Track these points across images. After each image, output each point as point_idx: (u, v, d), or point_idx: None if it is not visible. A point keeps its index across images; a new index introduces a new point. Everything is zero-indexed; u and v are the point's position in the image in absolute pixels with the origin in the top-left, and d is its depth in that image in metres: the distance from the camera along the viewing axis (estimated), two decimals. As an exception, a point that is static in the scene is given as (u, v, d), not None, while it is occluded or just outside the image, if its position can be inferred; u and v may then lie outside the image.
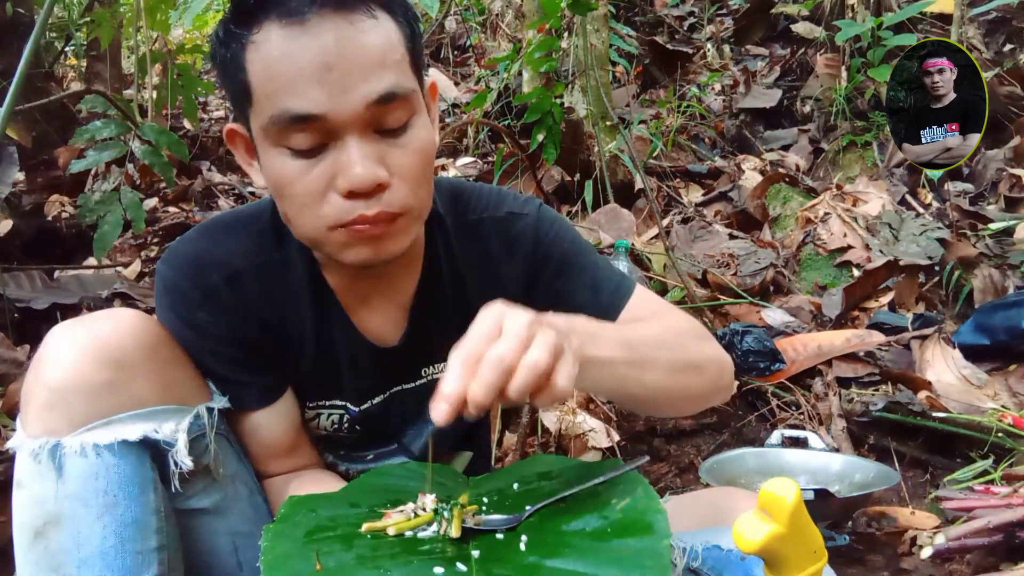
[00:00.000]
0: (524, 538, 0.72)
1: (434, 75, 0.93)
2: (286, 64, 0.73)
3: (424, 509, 0.78)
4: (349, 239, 0.79)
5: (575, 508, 0.76)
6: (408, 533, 0.75)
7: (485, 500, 0.81)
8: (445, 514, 0.77)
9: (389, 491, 0.86)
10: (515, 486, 0.83)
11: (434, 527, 0.76)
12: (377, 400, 0.99)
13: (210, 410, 0.87)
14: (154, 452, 0.82)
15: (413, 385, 1.00)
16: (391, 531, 0.75)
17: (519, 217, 0.97)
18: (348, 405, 0.98)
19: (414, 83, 0.79)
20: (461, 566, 0.70)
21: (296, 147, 0.76)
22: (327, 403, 0.98)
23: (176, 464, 0.82)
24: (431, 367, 1.00)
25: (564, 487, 0.80)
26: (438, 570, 0.69)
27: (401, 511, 0.78)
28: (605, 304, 0.95)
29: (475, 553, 0.71)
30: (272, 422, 0.94)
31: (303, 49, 0.72)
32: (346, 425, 0.99)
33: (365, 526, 0.76)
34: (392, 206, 0.78)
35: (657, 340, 0.84)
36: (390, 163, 0.78)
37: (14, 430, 0.80)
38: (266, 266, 0.90)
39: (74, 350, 0.77)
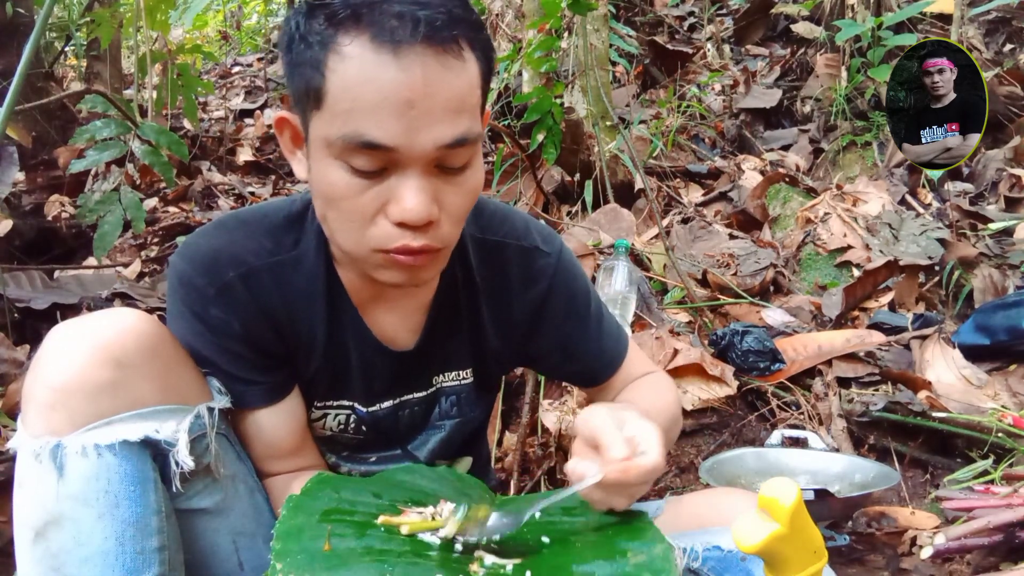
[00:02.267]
0: (529, 574, 0.72)
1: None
2: (370, 89, 0.72)
3: (441, 515, 0.79)
4: (387, 263, 0.80)
5: (588, 552, 0.76)
6: (421, 536, 0.76)
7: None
8: (457, 516, 0.78)
9: (413, 490, 0.87)
10: (537, 515, 0.83)
11: (445, 531, 0.76)
12: (386, 404, 0.99)
13: (211, 410, 0.87)
14: (155, 452, 0.82)
15: (423, 394, 1.01)
16: (404, 529, 0.76)
17: (543, 254, 1.00)
18: (356, 406, 0.98)
19: (480, 127, 0.81)
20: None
21: (357, 167, 0.76)
22: (335, 403, 0.98)
23: (177, 464, 0.82)
24: (442, 375, 1.01)
25: (582, 525, 0.81)
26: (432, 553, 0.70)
27: (420, 512, 0.79)
28: (608, 358, 1.06)
29: (479, 571, 0.71)
30: (277, 421, 0.94)
31: (390, 79, 0.72)
32: (352, 426, 0.99)
33: (381, 518, 0.77)
34: (436, 241, 0.80)
35: (668, 421, 1.02)
36: (443, 200, 0.79)
37: (14, 430, 0.80)
38: (281, 265, 0.90)
39: (75, 350, 0.77)
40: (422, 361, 0.98)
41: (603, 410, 0.79)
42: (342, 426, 0.99)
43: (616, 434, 0.76)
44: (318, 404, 0.98)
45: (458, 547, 0.75)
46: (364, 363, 0.96)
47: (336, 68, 0.73)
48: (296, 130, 0.84)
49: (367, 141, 0.73)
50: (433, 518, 0.79)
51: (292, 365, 0.94)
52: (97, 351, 0.77)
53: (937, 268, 2.53)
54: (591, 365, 1.07)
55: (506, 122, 3.44)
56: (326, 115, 0.75)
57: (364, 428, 1.00)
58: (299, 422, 0.96)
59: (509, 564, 0.73)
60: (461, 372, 1.02)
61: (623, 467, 0.74)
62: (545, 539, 0.78)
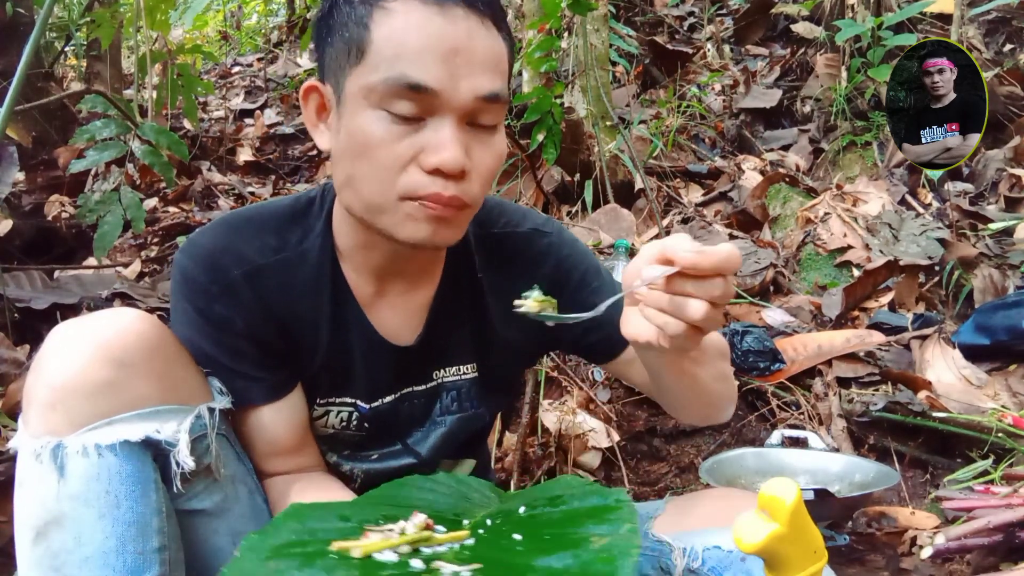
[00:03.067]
0: None
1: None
2: (418, 35, 0.76)
3: (404, 532, 0.76)
4: (414, 213, 0.81)
5: (554, 544, 0.74)
6: (376, 555, 0.72)
7: (488, 522, 0.80)
8: (409, 531, 0.75)
9: (396, 504, 0.84)
10: (522, 510, 0.82)
11: (399, 552, 0.73)
12: (388, 399, 0.99)
13: (211, 410, 0.87)
14: (155, 452, 0.82)
15: (424, 387, 1.01)
16: (356, 552, 0.73)
17: (543, 234, 1.01)
18: (358, 403, 0.98)
19: (507, 103, 0.84)
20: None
21: (397, 112, 0.78)
22: (337, 400, 0.98)
23: (178, 464, 0.82)
24: (442, 370, 1.01)
25: (561, 515, 0.78)
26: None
27: (388, 529, 0.77)
28: None
29: None
30: (278, 419, 0.94)
31: (438, 28, 0.76)
32: (355, 423, 0.99)
33: (335, 544, 0.74)
34: (466, 195, 0.81)
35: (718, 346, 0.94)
36: (473, 157, 0.81)
37: (14, 430, 0.80)
38: (286, 262, 0.91)
39: (76, 350, 0.77)
40: (423, 356, 0.98)
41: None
42: (344, 423, 0.99)
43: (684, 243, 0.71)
44: (320, 401, 0.98)
45: (415, 563, 0.72)
46: (367, 359, 0.96)
47: (382, 22, 0.77)
48: (323, 100, 0.85)
49: (412, 82, 0.76)
50: (402, 533, 0.77)
51: (295, 362, 0.94)
52: (98, 351, 0.77)
53: (937, 268, 2.53)
54: (612, 332, 1.02)
55: (506, 122, 3.44)
56: (368, 66, 0.78)
57: (366, 424, 1.00)
58: (300, 420, 0.97)
59: (466, 571, 0.71)
60: (463, 367, 1.02)
61: (698, 251, 0.68)
62: (517, 536, 0.76)
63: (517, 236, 1.01)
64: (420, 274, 0.96)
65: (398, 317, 0.97)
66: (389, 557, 0.73)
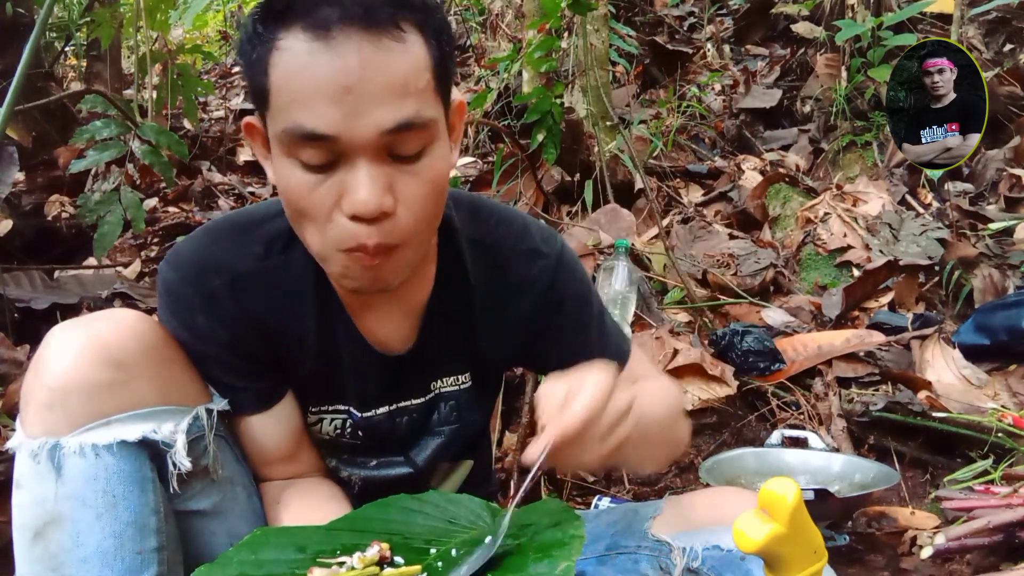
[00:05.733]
0: None
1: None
2: (305, 79, 0.71)
3: (352, 568, 0.73)
4: (350, 265, 0.77)
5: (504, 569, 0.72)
6: None
7: (453, 552, 0.77)
8: (387, 569, 0.74)
9: (366, 530, 0.81)
10: (488, 539, 0.78)
11: None
12: (382, 411, 0.98)
13: (209, 412, 0.87)
14: (153, 452, 0.81)
15: (421, 400, 0.99)
16: None
17: (541, 256, 0.96)
18: (351, 410, 0.97)
19: (436, 111, 0.77)
20: None
21: (307, 161, 0.73)
22: (330, 408, 0.97)
23: (175, 465, 0.82)
24: (439, 380, 0.99)
25: (523, 545, 0.76)
26: None
27: (338, 563, 0.74)
28: (610, 356, 0.97)
29: None
30: (270, 427, 0.93)
31: (323, 67, 0.70)
32: (349, 431, 0.99)
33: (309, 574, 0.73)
34: (392, 236, 0.76)
35: (659, 404, 0.91)
36: (399, 190, 0.75)
37: (14, 430, 0.80)
38: (270, 270, 0.88)
39: (74, 350, 0.77)
40: (418, 366, 0.96)
41: (555, 376, 0.75)
42: (339, 431, 0.98)
43: (551, 396, 0.72)
44: (313, 409, 0.97)
45: None
46: (357, 368, 0.94)
47: (276, 63, 0.72)
48: (264, 135, 0.81)
49: (306, 132, 0.71)
50: (351, 568, 0.73)
51: (282, 371, 0.93)
52: (96, 351, 0.77)
53: (937, 268, 2.53)
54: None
55: (506, 122, 3.44)
56: (273, 114, 0.74)
57: (360, 433, 0.99)
58: (292, 428, 0.95)
59: None
60: (460, 376, 1.00)
61: (555, 427, 0.69)
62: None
63: (514, 251, 0.96)
64: (410, 280, 0.91)
65: (389, 324, 0.94)
66: None
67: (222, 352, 0.89)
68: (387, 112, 0.71)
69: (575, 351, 0.96)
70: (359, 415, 0.97)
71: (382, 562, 0.75)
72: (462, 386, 1.01)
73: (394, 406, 0.98)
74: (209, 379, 0.90)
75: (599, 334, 1.02)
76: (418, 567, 0.74)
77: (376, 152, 0.73)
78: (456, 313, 0.96)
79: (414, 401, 0.99)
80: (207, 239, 0.90)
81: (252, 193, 3.64)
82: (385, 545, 0.76)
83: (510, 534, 0.77)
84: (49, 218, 2.93)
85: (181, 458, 0.82)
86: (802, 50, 4.12)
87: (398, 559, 0.76)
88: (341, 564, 0.74)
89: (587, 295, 1.02)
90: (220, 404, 0.89)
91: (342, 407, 0.97)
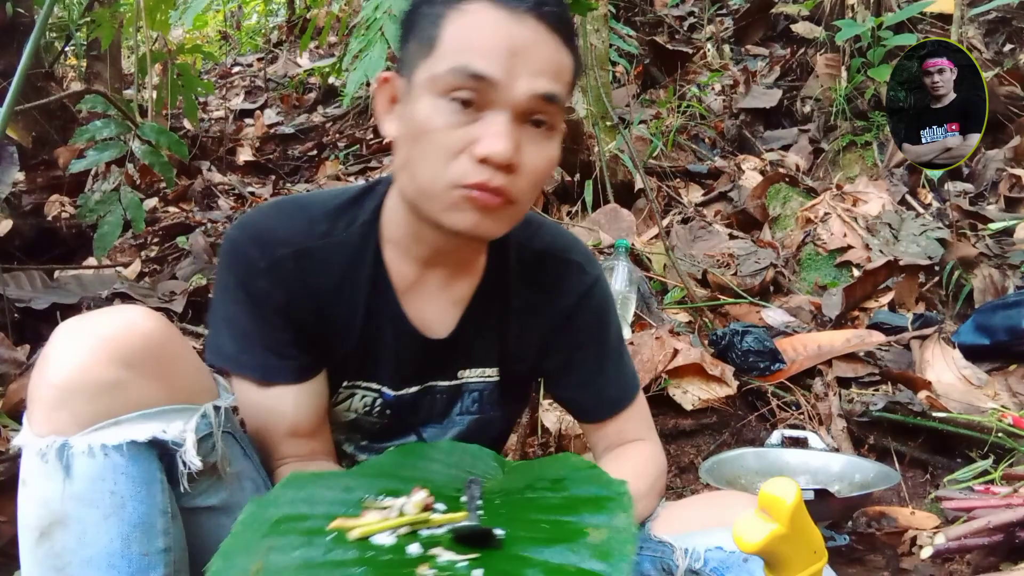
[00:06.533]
0: (480, 572, 0.70)
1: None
2: (486, 33, 0.82)
3: (401, 513, 0.76)
4: (460, 201, 0.83)
5: (552, 533, 0.74)
6: (374, 539, 0.73)
7: (497, 501, 0.80)
8: (435, 515, 0.76)
9: (399, 477, 0.85)
10: (525, 490, 0.82)
11: (398, 534, 0.74)
12: (412, 390, 1.01)
13: (217, 409, 0.87)
14: (161, 452, 0.81)
15: (447, 384, 1.02)
16: (355, 533, 0.73)
17: (580, 271, 1.04)
18: (384, 389, 1.00)
19: (564, 111, 0.88)
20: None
21: (457, 97, 0.82)
22: (364, 384, 1.00)
23: (184, 464, 0.82)
24: (467, 370, 1.02)
25: (561, 500, 0.79)
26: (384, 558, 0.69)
27: (385, 508, 0.77)
28: (613, 398, 1.05)
29: (428, 573, 0.69)
30: (302, 400, 0.95)
31: (504, 30, 0.82)
32: (377, 409, 1.01)
33: (335, 523, 0.75)
34: (512, 188, 0.84)
35: (641, 494, 0.95)
36: (524, 155, 0.84)
37: (14, 430, 0.80)
38: (332, 247, 0.94)
39: (82, 348, 0.77)
40: (451, 352, 1.00)
41: None
42: (367, 408, 1.00)
43: None
44: (347, 383, 0.99)
45: (412, 549, 0.73)
46: (397, 347, 0.97)
47: (454, 20, 0.83)
48: (394, 92, 0.90)
49: (474, 71, 0.81)
50: (401, 513, 0.77)
51: (326, 346, 0.96)
52: (103, 350, 0.77)
53: (937, 268, 2.53)
54: (594, 398, 1.07)
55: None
56: (437, 57, 0.83)
57: (388, 412, 1.01)
58: (322, 404, 0.98)
59: (463, 561, 0.71)
60: (487, 370, 1.03)
61: None
62: (517, 521, 0.76)
63: (556, 259, 1.03)
64: (461, 270, 0.98)
65: (433, 310, 0.98)
66: (386, 540, 0.73)
67: (275, 317, 0.92)
68: (543, 81, 0.83)
69: (589, 372, 1.04)
70: (391, 394, 1.00)
71: (426, 508, 0.78)
72: (487, 379, 1.04)
73: (423, 385, 1.01)
74: (254, 345, 0.92)
75: (616, 364, 1.06)
76: (463, 513, 0.77)
77: (519, 113, 0.83)
78: (494, 308, 1.01)
79: (441, 383, 1.02)
80: (277, 212, 0.95)
81: (252, 193, 3.64)
82: (427, 491, 0.79)
83: (545, 487, 0.81)
84: (49, 218, 2.93)
85: (192, 457, 0.81)
86: (802, 50, 4.12)
87: (439, 505, 0.79)
88: (389, 508, 0.77)
89: (612, 323, 1.07)
90: (227, 401, 0.90)
91: (375, 385, 0.99)
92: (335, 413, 1.01)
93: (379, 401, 1.00)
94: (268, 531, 0.73)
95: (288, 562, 0.70)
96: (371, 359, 0.98)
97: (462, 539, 0.73)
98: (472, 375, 1.03)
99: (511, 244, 1.00)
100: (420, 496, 0.78)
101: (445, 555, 0.72)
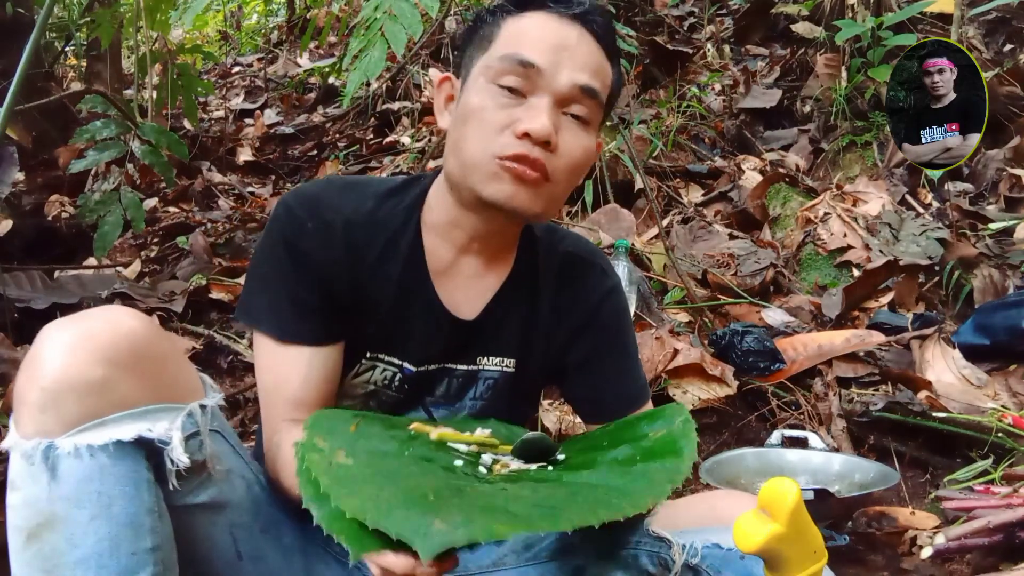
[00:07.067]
0: (550, 469, 0.82)
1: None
2: (536, 30, 0.93)
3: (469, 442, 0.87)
4: (499, 171, 0.91)
5: (613, 439, 0.85)
6: (450, 444, 0.83)
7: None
8: (488, 431, 0.89)
9: (459, 425, 0.96)
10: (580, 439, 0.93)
11: (471, 448, 0.84)
12: (433, 368, 1.03)
13: (203, 407, 0.87)
14: (148, 451, 0.81)
15: (465, 368, 1.05)
16: (434, 435, 0.83)
17: (603, 274, 1.11)
18: (405, 364, 1.02)
19: (601, 112, 0.98)
20: (482, 469, 0.80)
21: (505, 84, 0.91)
22: (385, 357, 1.02)
23: (172, 462, 0.82)
24: (486, 357, 1.05)
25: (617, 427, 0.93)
26: (457, 463, 0.80)
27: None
28: (624, 399, 1.09)
29: (502, 470, 0.80)
30: (317, 364, 0.97)
31: (553, 30, 0.93)
32: (396, 383, 1.02)
33: (413, 425, 0.87)
34: (548, 164, 0.91)
35: None
36: (561, 139, 0.93)
37: (13, 431, 0.79)
38: (378, 222, 1.00)
39: (66, 349, 0.77)
40: (475, 335, 1.03)
41: None
42: (386, 382, 1.02)
43: None
44: (370, 355, 1.01)
45: (485, 457, 0.81)
46: (424, 325, 1.01)
47: (513, 24, 0.95)
48: (452, 92, 1.00)
49: (522, 59, 0.91)
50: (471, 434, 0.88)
51: (355, 316, 0.98)
52: (89, 351, 0.77)
53: (937, 268, 2.53)
54: (607, 397, 1.09)
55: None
56: (492, 51, 0.94)
57: (406, 386, 1.03)
58: (334, 377, 1.00)
59: (533, 465, 0.81)
60: (505, 360, 1.06)
61: None
62: (575, 451, 0.86)
63: (583, 263, 1.10)
64: (494, 259, 1.03)
65: (463, 294, 1.03)
66: (460, 447, 0.84)
67: (308, 277, 0.96)
68: (585, 76, 0.93)
69: (607, 371, 1.09)
70: (412, 369, 1.02)
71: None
72: (504, 369, 1.06)
73: (443, 365, 1.04)
74: (282, 301, 0.96)
75: (633, 366, 1.12)
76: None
77: (560, 101, 0.92)
78: (520, 301, 1.05)
79: (460, 367, 1.04)
80: (330, 186, 1.03)
81: (252, 193, 3.64)
82: (489, 431, 0.91)
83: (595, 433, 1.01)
84: (49, 218, 2.93)
85: (179, 455, 0.82)
86: (802, 50, 4.12)
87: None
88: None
89: (631, 329, 1.13)
90: (214, 400, 0.90)
91: (397, 360, 1.02)
92: (353, 385, 1.02)
93: (398, 376, 1.02)
94: (354, 416, 0.84)
95: (377, 433, 0.80)
96: (397, 334, 1.01)
97: (526, 454, 0.84)
98: (490, 363, 1.05)
99: (539, 246, 1.07)
100: (486, 432, 0.88)
101: (515, 462, 0.83)
